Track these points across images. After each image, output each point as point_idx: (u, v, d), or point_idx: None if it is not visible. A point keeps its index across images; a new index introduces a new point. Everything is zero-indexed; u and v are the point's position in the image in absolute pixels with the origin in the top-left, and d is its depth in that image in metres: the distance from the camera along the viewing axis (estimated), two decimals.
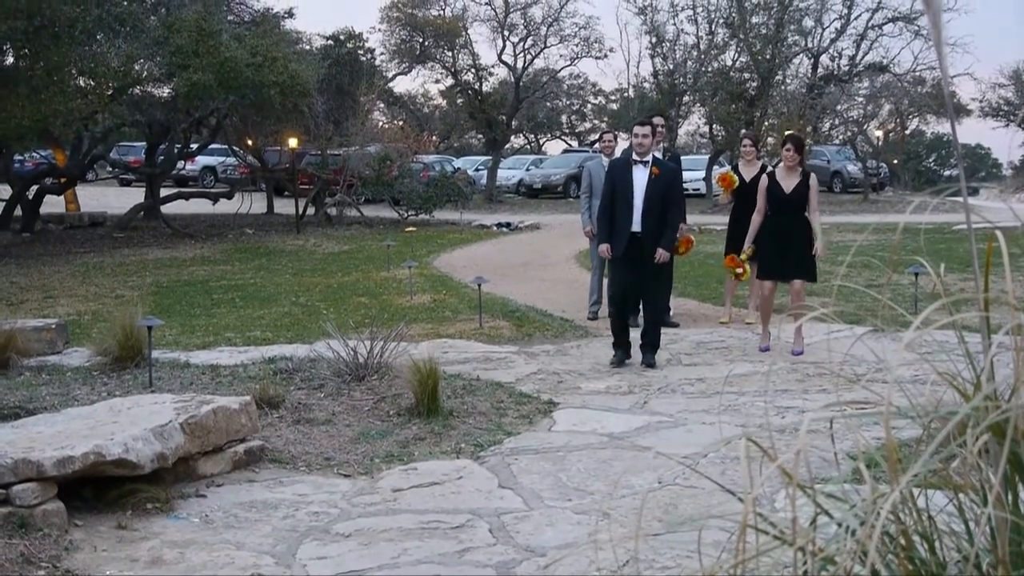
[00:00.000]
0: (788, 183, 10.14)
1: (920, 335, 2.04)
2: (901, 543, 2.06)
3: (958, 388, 2.16)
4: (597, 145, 13.61)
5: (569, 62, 44.78)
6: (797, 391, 8.49)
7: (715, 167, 38.33)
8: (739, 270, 11.41)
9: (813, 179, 10.24)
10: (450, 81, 44.09)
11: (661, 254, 9.62)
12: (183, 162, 32.14)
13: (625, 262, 9.65)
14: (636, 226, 9.60)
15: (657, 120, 12.28)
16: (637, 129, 9.80)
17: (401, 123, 40.50)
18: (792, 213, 10.12)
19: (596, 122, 54.49)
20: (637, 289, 9.86)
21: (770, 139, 37.18)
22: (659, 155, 11.95)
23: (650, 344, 9.81)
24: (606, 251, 9.80)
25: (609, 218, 9.78)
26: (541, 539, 5.49)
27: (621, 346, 9.86)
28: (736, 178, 12.04)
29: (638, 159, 9.69)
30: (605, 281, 12.76)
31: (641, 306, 10.13)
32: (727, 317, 12.31)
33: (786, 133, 12.95)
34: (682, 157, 13.45)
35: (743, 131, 30.24)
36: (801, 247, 10.03)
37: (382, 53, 42.10)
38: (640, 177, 9.63)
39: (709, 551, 2.26)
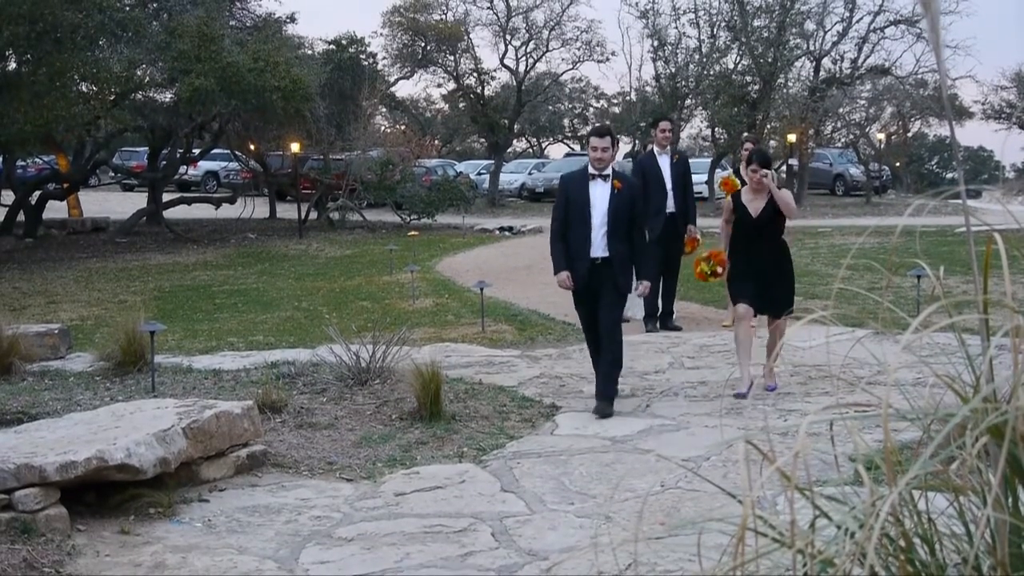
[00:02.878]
0: (755, 205, 8.67)
1: (919, 337, 2.05)
2: (901, 545, 2.06)
3: (957, 391, 2.16)
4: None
5: (571, 66, 44.74)
6: (799, 394, 8.49)
7: (717, 170, 38.34)
8: (719, 269, 9.90)
9: (784, 192, 8.91)
10: (452, 85, 44.10)
11: (645, 285, 8.50)
12: (185, 167, 32.20)
13: (589, 294, 8.26)
14: (598, 251, 8.17)
15: (664, 124, 12.34)
16: (595, 141, 8.33)
17: (403, 127, 40.51)
18: (763, 238, 8.68)
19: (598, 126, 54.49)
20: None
21: (772, 142, 37.23)
22: (668, 158, 12.07)
23: (604, 395, 8.16)
24: (566, 282, 8.27)
25: (564, 243, 8.31)
26: (543, 542, 5.49)
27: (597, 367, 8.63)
28: (738, 182, 11.96)
29: (596, 173, 8.24)
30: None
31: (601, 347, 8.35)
32: (730, 320, 12.19)
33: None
34: (688, 161, 13.44)
35: (745, 134, 30.25)
36: (778, 278, 8.65)
37: (384, 58, 42.15)
38: (600, 193, 8.22)
39: (711, 554, 2.26)
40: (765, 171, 8.71)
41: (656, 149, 12.11)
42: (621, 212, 8.15)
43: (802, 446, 1.94)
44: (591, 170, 8.26)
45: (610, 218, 8.15)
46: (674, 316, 12.30)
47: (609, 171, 8.25)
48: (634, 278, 8.50)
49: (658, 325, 12.02)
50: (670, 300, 12.19)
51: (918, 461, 1.93)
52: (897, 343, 2.07)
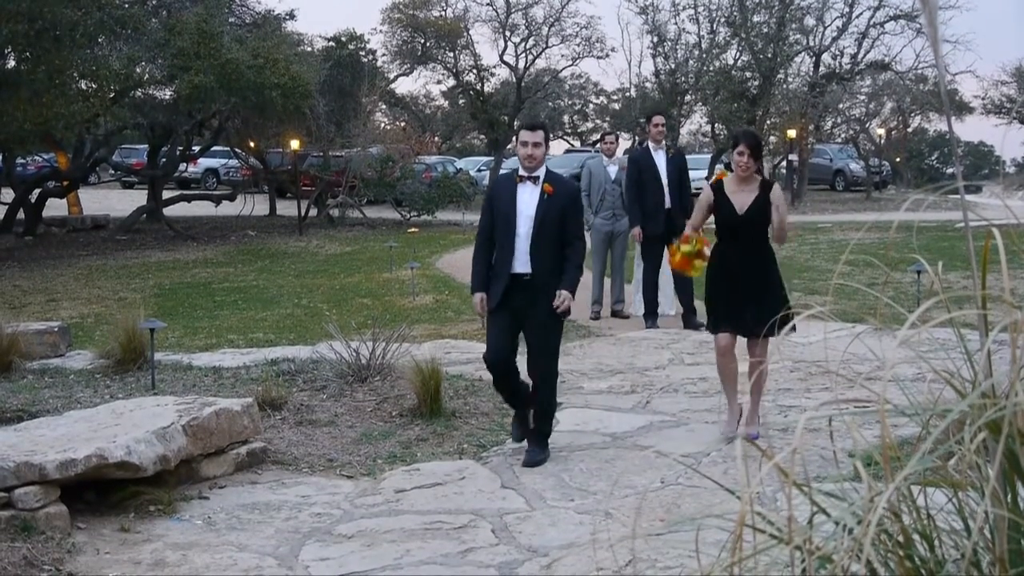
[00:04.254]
0: (742, 199, 7.17)
1: (917, 333, 2.04)
2: (900, 541, 2.06)
3: (955, 386, 2.16)
4: (599, 145, 13.41)
5: (571, 62, 44.79)
6: (799, 390, 8.49)
7: (717, 166, 38.32)
8: (704, 249, 7.54)
9: (777, 191, 7.27)
10: (452, 82, 44.13)
11: (564, 296, 6.76)
12: (185, 164, 32.17)
13: (505, 315, 6.86)
14: (520, 265, 6.81)
15: (657, 119, 12.21)
16: (525, 134, 6.98)
17: (403, 124, 40.54)
18: (749, 241, 7.17)
19: (598, 122, 54.44)
20: (516, 349, 7.02)
21: (772, 138, 37.21)
22: (663, 153, 11.88)
23: (539, 432, 6.97)
24: (479, 307, 7.02)
25: (485, 253, 7.02)
26: (543, 539, 5.50)
27: (517, 418, 7.20)
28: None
29: (525, 175, 6.92)
30: (607, 281, 12.74)
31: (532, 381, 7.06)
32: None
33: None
34: (685, 156, 13.27)
35: (743, 128, 30.21)
36: (764, 288, 7.08)
37: (384, 54, 42.14)
38: (528, 198, 6.88)
39: (711, 550, 2.26)
40: (753, 161, 7.26)
41: (651, 144, 11.89)
42: (550, 221, 6.79)
43: (800, 442, 1.94)
44: (521, 171, 6.96)
45: (536, 227, 6.78)
46: (697, 314, 12.01)
47: (541, 173, 6.92)
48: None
49: (683, 325, 11.74)
50: (689, 297, 11.78)
51: (915, 457, 1.93)
52: (896, 339, 2.07)
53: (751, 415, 7.25)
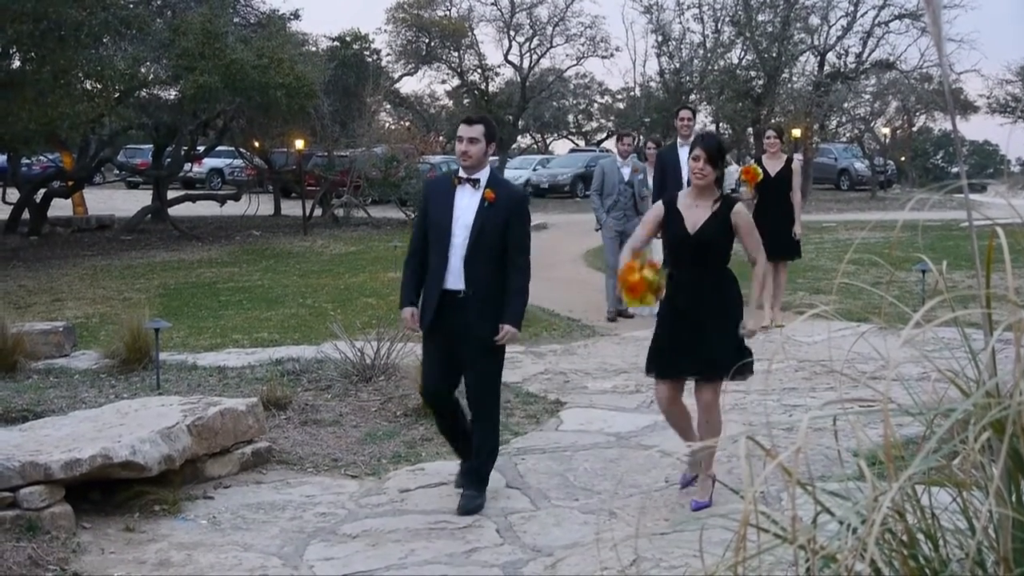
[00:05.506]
0: (696, 215, 5.96)
1: (922, 332, 2.04)
2: (904, 541, 2.06)
3: (959, 385, 2.16)
4: (617, 145, 13.13)
5: (575, 61, 44.89)
6: (804, 389, 8.48)
7: (732, 165, 38.28)
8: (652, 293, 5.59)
9: (741, 212, 6.06)
10: (456, 81, 44.20)
11: (507, 331, 5.95)
12: (190, 164, 32.16)
13: (439, 338, 6.07)
14: (453, 280, 5.97)
15: (684, 113, 11.92)
16: (461, 129, 6.12)
17: (407, 124, 40.51)
18: (701, 266, 5.97)
19: (603, 121, 54.47)
20: (456, 381, 6.21)
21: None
22: (688, 150, 11.64)
23: (477, 472, 6.16)
24: (409, 322, 6.17)
25: (418, 267, 6.15)
26: (548, 539, 5.50)
27: (461, 455, 6.37)
28: (760, 171, 11.45)
29: (464, 176, 6.06)
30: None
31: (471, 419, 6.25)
32: (767, 320, 11.21)
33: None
34: None
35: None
36: (716, 326, 5.88)
37: (388, 54, 42.22)
38: (466, 203, 6.01)
39: (715, 550, 2.26)
40: (709, 166, 5.96)
41: (679, 140, 11.64)
42: (490, 232, 5.93)
43: (803, 442, 1.94)
44: (460, 172, 6.10)
45: (473, 237, 5.93)
46: None
47: (482, 176, 6.06)
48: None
49: None
50: None
51: (919, 456, 1.93)
52: (900, 338, 2.07)
53: (703, 483, 6.00)
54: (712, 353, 5.76)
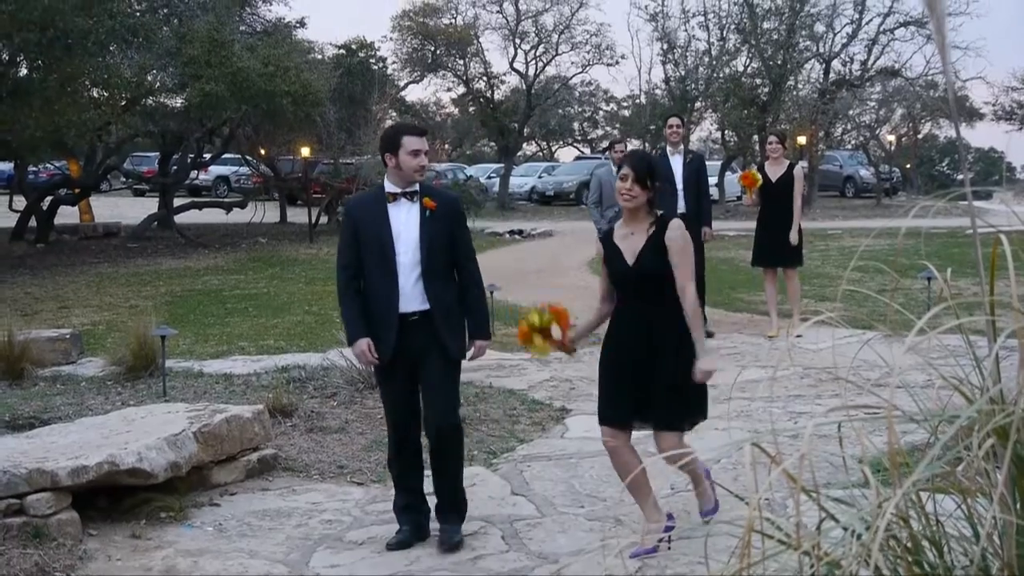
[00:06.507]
0: (632, 245, 5.35)
1: (927, 339, 2.05)
2: (908, 547, 2.06)
3: (964, 392, 2.16)
4: (608, 153, 12.98)
5: (581, 69, 44.81)
6: (809, 396, 8.48)
7: (727, 173, 38.32)
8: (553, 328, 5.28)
9: (674, 233, 5.26)
10: (462, 89, 44.17)
11: (481, 347, 5.76)
12: (196, 172, 32.25)
13: (402, 368, 5.60)
14: (410, 302, 5.53)
15: (673, 120, 11.76)
16: (414, 141, 5.53)
17: None
18: (650, 298, 5.31)
19: (608, 129, 54.48)
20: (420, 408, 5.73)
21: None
22: (680, 157, 11.42)
23: (453, 503, 5.72)
24: (367, 354, 5.57)
25: (355, 292, 5.66)
26: (554, 546, 5.50)
27: (406, 512, 5.75)
28: (759, 177, 11.46)
29: (398, 191, 5.57)
30: None
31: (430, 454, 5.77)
32: (775, 330, 11.38)
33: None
34: (704, 161, 12.81)
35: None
36: (666, 368, 5.23)
37: (394, 62, 42.28)
38: (405, 218, 5.56)
39: (721, 556, 2.27)
40: (643, 190, 5.30)
41: (668, 148, 11.60)
42: (439, 242, 5.56)
43: (808, 448, 1.95)
44: (389, 188, 5.59)
45: (424, 252, 5.50)
46: (707, 322, 11.75)
47: (417, 187, 5.61)
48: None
49: None
50: (700, 305, 11.65)
51: (923, 463, 1.94)
52: (905, 345, 2.08)
53: (702, 490, 5.64)
54: (664, 401, 5.22)
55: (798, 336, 10.63)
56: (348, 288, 5.64)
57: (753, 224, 12.42)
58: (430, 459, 5.74)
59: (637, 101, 47.01)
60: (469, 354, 5.72)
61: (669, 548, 5.22)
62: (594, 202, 12.16)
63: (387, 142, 5.58)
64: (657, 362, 5.22)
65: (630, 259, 5.29)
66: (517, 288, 15.92)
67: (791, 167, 11.50)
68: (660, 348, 5.23)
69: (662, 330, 5.25)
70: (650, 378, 5.22)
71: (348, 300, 5.64)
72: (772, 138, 11.91)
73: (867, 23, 38.56)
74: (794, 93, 39.05)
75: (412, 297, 5.52)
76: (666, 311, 5.25)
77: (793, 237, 11.21)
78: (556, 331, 5.17)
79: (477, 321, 5.73)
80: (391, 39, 42.15)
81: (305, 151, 27.88)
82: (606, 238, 5.52)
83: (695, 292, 5.27)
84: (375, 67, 36.15)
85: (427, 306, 5.52)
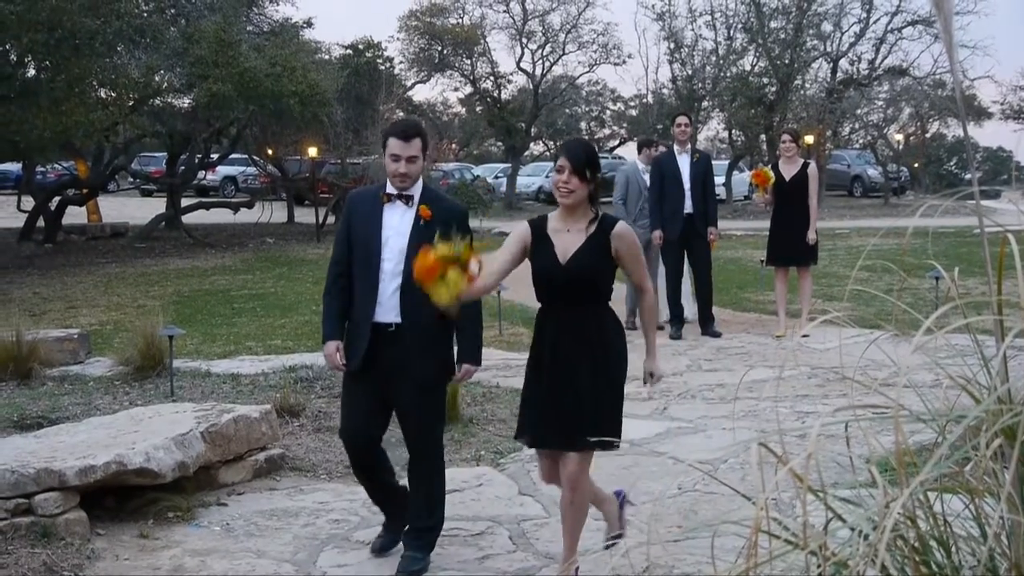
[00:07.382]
0: (567, 242, 4.83)
1: (934, 339, 2.04)
2: (915, 547, 2.06)
3: (971, 392, 2.16)
4: (643, 154, 12.29)
5: (588, 68, 44.78)
6: (817, 396, 8.47)
7: (734, 172, 38.30)
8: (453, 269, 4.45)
9: (622, 235, 4.84)
10: (469, 89, 44.17)
11: (467, 371, 5.38)
12: (204, 172, 32.31)
13: (367, 380, 5.24)
14: (385, 313, 5.16)
15: (681, 119, 11.80)
16: (396, 146, 5.13)
17: None
18: (575, 305, 4.86)
19: (615, 128, 54.40)
20: (383, 429, 5.45)
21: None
22: (687, 156, 11.46)
23: (421, 530, 5.33)
24: (335, 358, 5.31)
25: (341, 295, 5.33)
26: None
27: (387, 526, 5.57)
28: (772, 175, 11.39)
29: (394, 192, 5.24)
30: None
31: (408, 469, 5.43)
32: (782, 330, 11.38)
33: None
34: (711, 160, 12.75)
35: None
36: (590, 386, 4.82)
37: (401, 62, 42.25)
38: (397, 223, 5.21)
39: (728, 556, 2.27)
40: (583, 181, 4.75)
41: (676, 147, 11.63)
42: None
43: (815, 448, 1.95)
44: (388, 188, 5.28)
45: (407, 263, 4.90)
46: (715, 322, 11.72)
47: (416, 191, 5.24)
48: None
49: (700, 332, 11.48)
50: (707, 305, 11.65)
51: (931, 462, 1.93)
52: (912, 345, 2.07)
53: (612, 523, 5.27)
54: (579, 418, 4.75)
55: (805, 336, 10.63)
56: (334, 285, 5.33)
57: (760, 223, 12.44)
58: (407, 474, 5.44)
59: (644, 100, 46.97)
60: (454, 378, 5.39)
61: (634, 510, 5.31)
62: (620, 200, 12.00)
63: (381, 140, 5.44)
64: (581, 376, 4.78)
65: (562, 257, 4.79)
66: (524, 288, 15.88)
67: (805, 166, 11.45)
68: (586, 359, 4.80)
69: (589, 339, 4.81)
70: (570, 393, 4.79)
71: (329, 298, 5.36)
72: (786, 136, 11.85)
73: (875, 22, 38.58)
74: (801, 92, 39.01)
75: (389, 308, 5.16)
76: (594, 317, 4.86)
77: (811, 236, 11.19)
78: (475, 265, 4.42)
79: (467, 343, 5.33)
80: (398, 39, 42.18)
81: (312, 151, 27.92)
82: (537, 228, 4.90)
83: (652, 293, 5.02)
84: (382, 67, 36.13)
85: (401, 320, 5.13)
